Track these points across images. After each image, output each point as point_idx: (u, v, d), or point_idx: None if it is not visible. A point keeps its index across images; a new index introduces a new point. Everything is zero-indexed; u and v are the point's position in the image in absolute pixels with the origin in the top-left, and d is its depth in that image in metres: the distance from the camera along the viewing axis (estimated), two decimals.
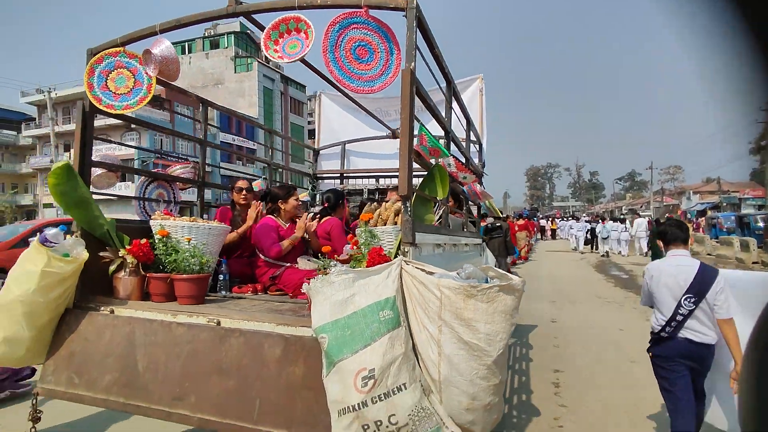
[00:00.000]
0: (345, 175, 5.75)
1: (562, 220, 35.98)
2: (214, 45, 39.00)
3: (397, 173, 5.63)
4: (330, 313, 1.85)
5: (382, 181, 5.61)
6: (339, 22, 2.37)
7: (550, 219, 35.55)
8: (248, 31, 38.41)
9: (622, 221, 20.41)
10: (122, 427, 3.36)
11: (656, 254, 14.38)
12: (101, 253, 2.81)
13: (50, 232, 2.55)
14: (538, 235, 27.69)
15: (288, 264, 3.48)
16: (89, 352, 2.60)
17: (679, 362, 2.68)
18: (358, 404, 1.64)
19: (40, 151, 33.57)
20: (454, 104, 5.19)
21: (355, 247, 2.61)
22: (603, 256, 18.70)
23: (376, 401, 1.64)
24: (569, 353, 5.30)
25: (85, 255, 2.69)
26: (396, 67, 2.43)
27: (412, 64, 2.21)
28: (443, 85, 3.43)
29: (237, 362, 2.27)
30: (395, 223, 2.82)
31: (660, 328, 2.74)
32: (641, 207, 49.50)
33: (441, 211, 2.90)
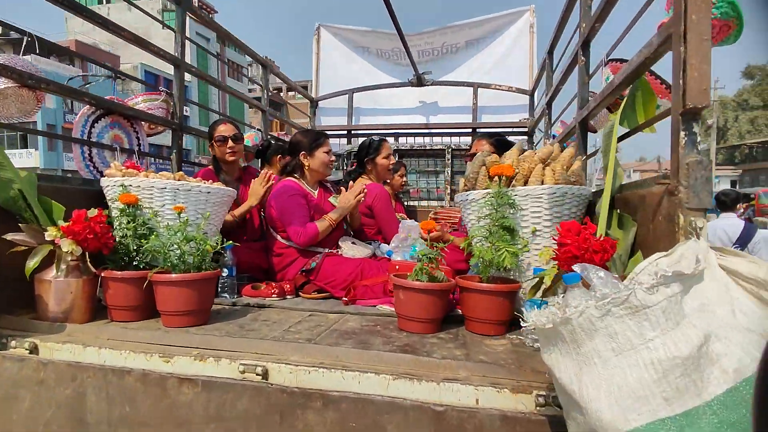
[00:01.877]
0: (353, 132, 4.47)
1: None
2: None
3: (424, 130, 4.49)
4: (660, 393, 0.71)
5: (402, 139, 4.38)
6: None
7: None
8: None
9: None
10: None
11: None
12: (9, 236, 1.48)
13: None
14: None
15: (325, 249, 2.27)
16: None
17: None
18: None
19: None
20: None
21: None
22: None
23: None
24: None
25: None
26: None
27: None
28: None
29: None
30: (541, 182, 1.72)
31: None
32: None
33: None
